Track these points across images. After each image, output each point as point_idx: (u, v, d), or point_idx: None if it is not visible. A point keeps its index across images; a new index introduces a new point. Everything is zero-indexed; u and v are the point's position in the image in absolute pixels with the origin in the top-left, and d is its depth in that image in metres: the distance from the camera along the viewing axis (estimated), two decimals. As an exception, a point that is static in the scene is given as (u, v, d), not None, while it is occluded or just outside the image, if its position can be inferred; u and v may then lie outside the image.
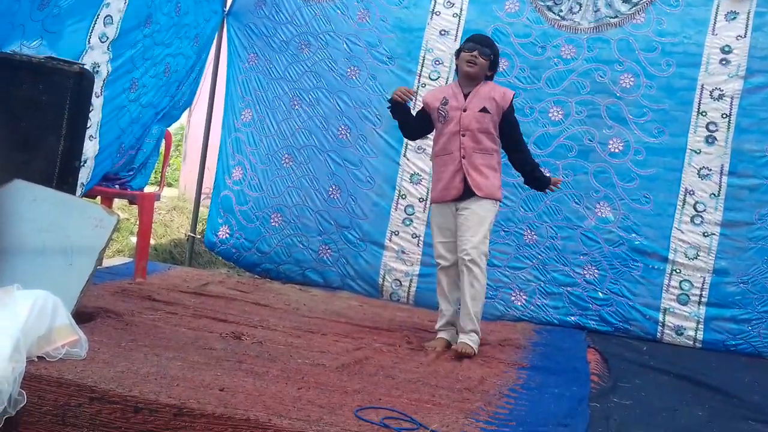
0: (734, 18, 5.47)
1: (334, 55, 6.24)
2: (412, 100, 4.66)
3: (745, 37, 5.45)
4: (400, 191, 6.05)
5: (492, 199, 4.43)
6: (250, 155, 6.37)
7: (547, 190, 4.72)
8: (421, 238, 5.95)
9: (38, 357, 2.93)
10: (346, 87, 6.20)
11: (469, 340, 4.33)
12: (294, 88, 6.30)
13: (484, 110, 4.39)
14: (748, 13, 5.46)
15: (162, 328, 3.96)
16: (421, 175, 5.95)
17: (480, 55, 4.43)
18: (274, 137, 6.33)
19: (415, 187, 5.98)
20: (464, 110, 4.42)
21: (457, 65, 4.60)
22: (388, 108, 4.63)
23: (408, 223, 6.01)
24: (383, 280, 6.01)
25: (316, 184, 6.23)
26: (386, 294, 5.96)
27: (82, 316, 3.60)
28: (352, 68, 6.20)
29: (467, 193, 4.39)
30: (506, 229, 5.77)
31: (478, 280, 4.33)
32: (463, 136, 4.40)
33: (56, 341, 3.02)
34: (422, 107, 4.68)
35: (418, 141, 5.84)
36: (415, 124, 4.69)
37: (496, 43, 4.70)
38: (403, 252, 5.99)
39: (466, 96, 4.46)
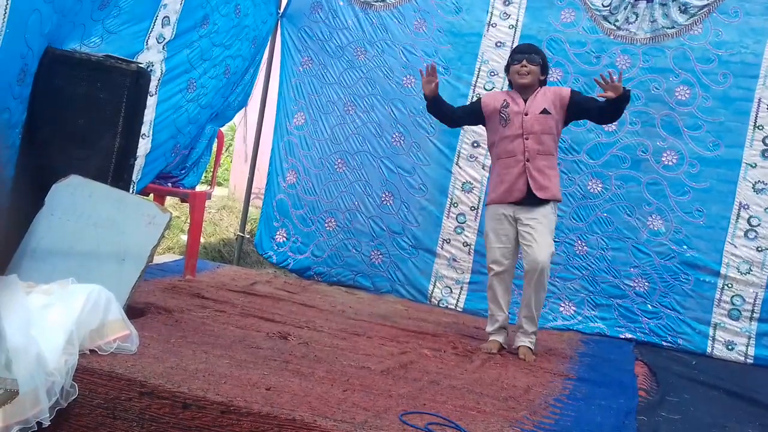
0: (793, 30, 5.35)
1: (390, 63, 6.24)
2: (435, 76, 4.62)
3: (803, 50, 5.33)
4: (452, 199, 6.03)
5: (553, 201, 4.47)
6: (303, 159, 6.41)
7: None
8: (472, 247, 5.91)
9: (90, 350, 2.97)
10: (401, 95, 6.19)
11: (530, 344, 4.45)
12: (349, 94, 6.31)
13: (545, 111, 4.44)
14: (807, 27, 5.33)
15: (210, 325, 3.99)
16: (472, 184, 5.91)
17: (529, 63, 4.47)
18: (327, 142, 6.36)
19: (467, 196, 5.94)
20: (526, 114, 4.46)
21: (509, 80, 4.62)
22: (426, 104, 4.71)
23: (459, 231, 5.98)
24: (433, 287, 5.99)
25: (369, 190, 6.24)
26: (435, 300, 5.94)
27: (133, 311, 3.64)
28: (407, 77, 6.19)
29: (529, 195, 4.42)
30: (557, 239, 5.68)
31: (545, 288, 4.44)
32: (527, 139, 4.45)
33: (108, 335, 3.06)
34: (476, 102, 4.77)
35: (469, 149, 5.87)
36: (454, 113, 4.78)
37: (542, 49, 4.73)
38: (455, 260, 5.97)
39: (525, 101, 4.50)
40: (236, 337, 3.79)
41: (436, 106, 4.68)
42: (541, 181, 4.41)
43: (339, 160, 6.32)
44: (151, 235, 3.62)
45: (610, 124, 5.44)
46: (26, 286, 2.99)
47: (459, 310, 5.84)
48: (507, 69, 4.61)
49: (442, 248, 6.04)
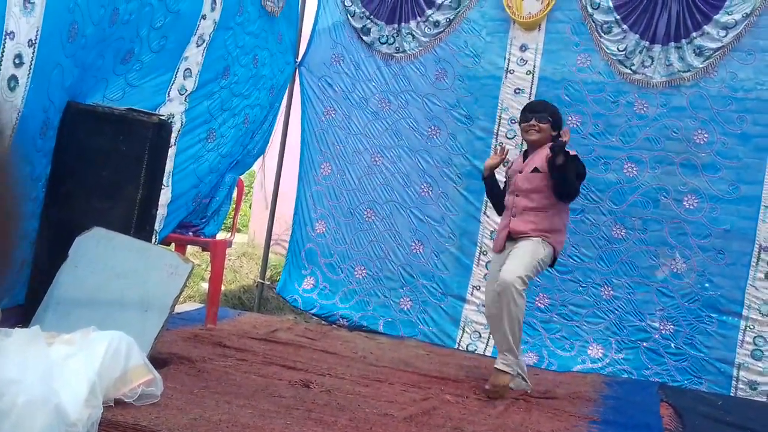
0: (808, 72, 5.32)
1: (414, 114, 6.30)
2: (495, 162, 4.75)
3: (819, 91, 5.30)
4: (481, 247, 6.04)
5: (536, 237, 4.40)
6: (332, 209, 6.46)
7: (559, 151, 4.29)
8: (501, 293, 5.91)
9: (116, 399, 2.98)
10: (428, 146, 6.24)
11: (503, 364, 4.32)
12: (375, 145, 6.37)
13: (535, 170, 4.46)
14: (824, 64, 5.31)
15: (233, 374, 4.00)
16: (500, 232, 5.94)
17: (538, 121, 4.50)
18: (355, 192, 6.41)
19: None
20: (520, 172, 4.53)
21: (522, 136, 4.71)
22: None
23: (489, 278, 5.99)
24: (462, 332, 5.98)
25: (399, 239, 6.27)
26: (464, 345, 5.91)
27: (156, 361, 3.64)
28: (432, 127, 6.25)
29: (511, 240, 4.50)
30: (584, 285, 5.69)
31: (514, 302, 4.24)
32: (517, 196, 4.53)
33: (132, 381, 3.05)
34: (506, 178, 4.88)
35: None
36: (499, 195, 4.82)
37: (551, 104, 4.73)
38: (484, 305, 5.95)
39: (526, 159, 4.57)
40: (258, 386, 3.79)
41: (491, 186, 4.78)
42: (518, 228, 4.46)
43: (368, 210, 6.37)
44: (174, 286, 3.65)
45: (630, 166, 5.53)
46: (48, 337, 3.00)
47: (488, 355, 5.80)
48: (520, 127, 4.68)
49: (472, 294, 6.04)
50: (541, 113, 4.52)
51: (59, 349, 2.93)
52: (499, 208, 4.83)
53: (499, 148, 4.83)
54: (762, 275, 5.33)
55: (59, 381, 2.72)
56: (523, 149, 4.85)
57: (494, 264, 4.66)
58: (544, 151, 4.44)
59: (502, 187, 4.85)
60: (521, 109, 4.78)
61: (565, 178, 4.31)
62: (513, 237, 4.48)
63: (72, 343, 2.99)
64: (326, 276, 6.41)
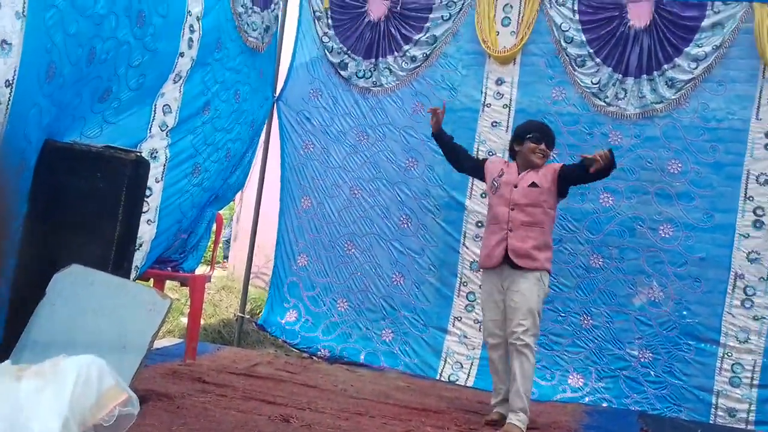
0: (778, 102, 5.41)
1: (392, 146, 6.32)
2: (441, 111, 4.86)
3: (789, 121, 5.38)
4: (461, 279, 6.05)
5: (538, 270, 4.45)
6: (313, 242, 6.45)
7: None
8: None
9: (94, 426, 2.84)
10: (405, 178, 6.26)
11: (517, 420, 4.31)
12: (354, 178, 6.38)
13: (533, 185, 4.51)
14: (792, 96, 5.40)
15: (212, 411, 3.97)
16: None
17: (548, 146, 4.60)
18: (335, 225, 6.40)
19: (476, 275, 5.94)
20: (515, 186, 4.55)
21: (517, 150, 4.69)
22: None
23: (470, 309, 5.98)
24: (444, 363, 5.97)
25: (379, 271, 6.26)
26: (445, 375, 5.90)
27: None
28: (410, 159, 6.27)
29: (510, 263, 4.46)
30: (563, 314, 5.71)
31: (528, 360, 4.36)
32: (512, 209, 4.52)
33: (107, 405, 2.88)
34: (481, 162, 4.95)
35: (474, 230, 5.97)
36: (458, 155, 4.96)
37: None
38: (465, 336, 5.96)
39: (519, 173, 4.60)
40: (238, 422, 3.77)
41: (443, 141, 4.89)
42: (519, 249, 4.45)
43: (348, 243, 6.37)
44: (152, 322, 3.59)
45: (606, 196, 5.67)
46: (18, 370, 2.88)
47: (469, 385, 5.79)
48: (521, 139, 4.66)
49: (453, 325, 6.03)
50: (550, 142, 4.63)
51: (29, 383, 2.79)
52: (456, 163, 5.00)
53: (436, 107, 4.89)
54: (738, 302, 5.38)
55: (30, 417, 2.64)
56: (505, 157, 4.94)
57: (487, 282, 4.63)
58: (543, 168, 4.58)
59: (473, 160, 5.01)
60: (527, 126, 4.77)
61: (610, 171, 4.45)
62: (512, 257, 4.46)
63: (42, 375, 2.85)
64: (309, 309, 6.40)
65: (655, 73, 5.67)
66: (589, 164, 4.32)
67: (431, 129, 4.89)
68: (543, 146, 4.56)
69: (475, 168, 4.94)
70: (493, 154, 5.97)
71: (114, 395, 2.95)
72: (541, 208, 4.52)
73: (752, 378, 5.27)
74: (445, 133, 4.91)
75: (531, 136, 4.60)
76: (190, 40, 4.93)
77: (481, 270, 4.81)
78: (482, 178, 4.91)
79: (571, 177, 4.57)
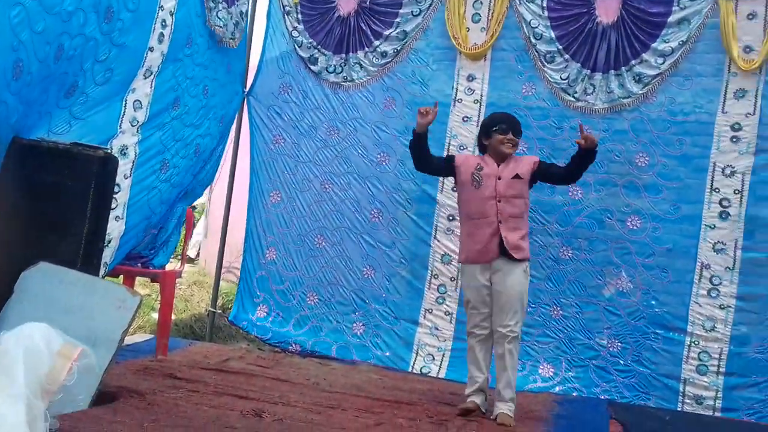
0: (743, 96, 5.45)
1: (363, 141, 6.32)
2: (430, 120, 4.66)
3: (754, 114, 5.43)
4: (432, 271, 6.07)
5: (526, 260, 4.57)
6: (282, 236, 6.43)
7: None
8: (454, 316, 5.93)
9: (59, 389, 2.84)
10: (377, 172, 6.26)
11: (509, 410, 4.42)
12: (324, 172, 6.37)
13: (517, 177, 4.57)
14: (757, 90, 5.44)
15: (184, 406, 3.92)
16: (451, 256, 5.94)
17: (515, 135, 4.64)
18: (305, 219, 6.39)
19: (447, 267, 5.98)
20: (499, 177, 4.57)
21: (486, 143, 4.71)
22: (411, 139, 4.72)
23: (441, 301, 6.01)
24: (416, 355, 5.98)
25: (350, 265, 6.26)
26: (417, 368, 5.91)
27: (105, 396, 3.59)
28: (381, 154, 6.27)
29: (502, 255, 4.50)
30: (533, 305, 5.73)
31: (517, 351, 4.52)
32: (500, 201, 4.54)
33: (65, 365, 2.90)
34: (449, 159, 4.89)
35: (445, 223, 5.96)
36: (428, 157, 4.77)
37: None
38: (437, 329, 5.98)
39: (498, 165, 4.62)
40: (210, 418, 3.72)
41: (422, 142, 4.69)
42: (513, 241, 4.50)
43: (319, 236, 6.36)
44: (122, 319, 3.58)
45: (575, 189, 5.68)
46: None
47: (441, 377, 5.81)
48: (488, 132, 4.68)
49: (424, 318, 6.05)
50: (517, 130, 4.66)
51: None
52: (420, 163, 4.80)
53: (428, 108, 4.69)
54: (705, 292, 5.45)
55: None
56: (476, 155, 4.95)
57: (474, 279, 4.59)
58: (519, 160, 4.66)
59: (442, 161, 4.93)
60: (491, 119, 4.78)
61: (587, 166, 4.62)
62: (508, 249, 4.48)
63: None
64: (278, 303, 6.38)
65: (622, 68, 5.71)
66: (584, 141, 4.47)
67: (416, 126, 4.65)
68: (510, 135, 4.60)
69: (445, 167, 4.88)
70: (464, 149, 5.99)
71: (67, 353, 2.92)
72: (523, 200, 4.61)
73: (719, 366, 5.34)
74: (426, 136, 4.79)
75: (497, 128, 4.63)
76: (161, 35, 4.89)
77: (462, 264, 4.77)
78: (450, 175, 4.93)
79: (549, 172, 4.69)
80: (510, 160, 4.62)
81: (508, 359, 4.44)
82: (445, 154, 6.06)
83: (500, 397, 4.46)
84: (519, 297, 4.48)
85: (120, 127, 4.76)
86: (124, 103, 4.76)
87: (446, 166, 4.87)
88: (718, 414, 5.29)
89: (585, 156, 4.51)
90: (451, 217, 5.95)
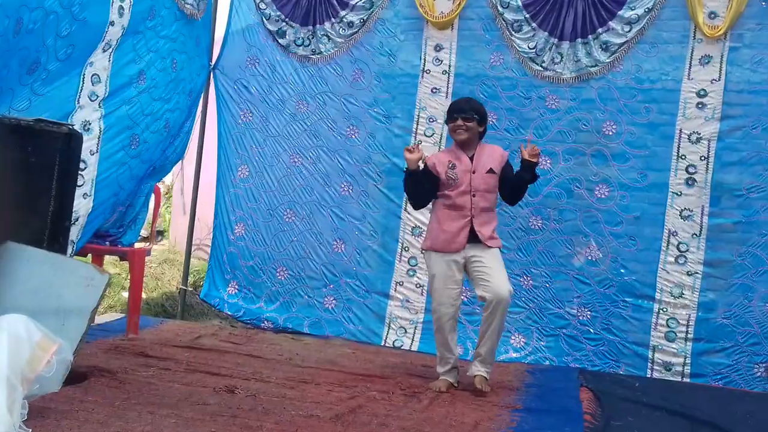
0: (708, 62, 5.45)
1: (332, 114, 6.25)
2: (420, 155, 4.50)
3: (719, 80, 5.43)
4: (402, 244, 6.04)
5: (496, 248, 4.56)
6: (251, 211, 6.37)
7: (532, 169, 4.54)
8: (425, 288, 5.90)
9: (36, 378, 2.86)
10: (347, 145, 6.20)
11: (486, 374, 4.48)
12: (293, 146, 6.30)
13: (491, 171, 4.51)
14: (722, 57, 5.44)
15: (155, 384, 3.89)
16: (422, 228, 5.90)
17: (465, 120, 4.50)
18: (274, 193, 6.33)
19: (417, 240, 5.95)
20: (473, 172, 4.50)
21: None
22: (404, 176, 4.58)
23: (412, 274, 5.99)
24: (388, 328, 5.97)
25: (320, 238, 6.22)
26: (390, 341, 5.91)
27: (75, 375, 3.54)
28: (351, 127, 6.21)
29: (472, 242, 4.48)
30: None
31: (504, 316, 4.46)
32: (474, 196, 4.49)
33: (43, 357, 2.93)
34: (427, 169, 4.58)
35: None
36: (426, 189, 4.61)
37: (475, 100, 4.78)
38: (408, 301, 5.97)
39: (471, 158, 4.53)
40: (182, 395, 3.70)
41: (418, 178, 4.51)
42: (485, 233, 4.48)
43: (288, 211, 6.30)
44: (91, 298, 3.52)
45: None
46: None
47: (414, 350, 5.80)
48: (447, 124, 4.66)
49: (395, 290, 6.03)
50: (466, 112, 4.50)
51: None
52: (421, 201, 4.71)
53: (413, 146, 4.67)
54: (672, 259, 5.48)
55: None
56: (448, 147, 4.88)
57: (443, 261, 4.52)
58: (493, 152, 4.59)
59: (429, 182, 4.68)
60: (446, 109, 4.78)
61: (524, 189, 4.64)
62: (482, 240, 4.47)
63: None
64: (248, 279, 6.33)
65: (589, 36, 5.68)
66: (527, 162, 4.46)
67: (407, 164, 4.48)
68: (458, 122, 4.49)
69: (432, 180, 4.60)
70: (433, 121, 5.97)
71: (47, 346, 2.97)
72: (495, 194, 4.58)
73: (687, 332, 5.39)
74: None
75: (447, 118, 4.62)
76: (121, 8, 4.77)
77: (426, 251, 4.69)
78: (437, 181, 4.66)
79: (506, 176, 4.58)
80: (483, 150, 4.54)
81: (497, 327, 4.41)
82: (414, 126, 6.04)
83: (481, 359, 4.47)
84: (499, 264, 4.49)
85: (78, 102, 4.65)
86: (82, 77, 4.65)
87: (432, 181, 4.59)
88: (686, 380, 5.34)
89: (525, 171, 4.49)
90: (421, 190, 5.92)
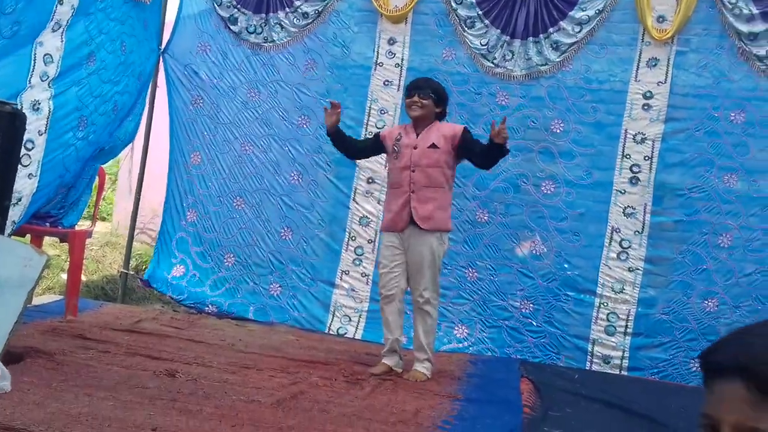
0: (655, 65, 5.54)
1: (284, 103, 6.21)
2: (338, 109, 4.72)
3: (665, 82, 5.52)
4: (350, 233, 6.04)
5: (439, 231, 4.51)
6: (202, 197, 6.30)
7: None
8: (370, 277, 5.92)
9: None
10: (298, 135, 6.17)
11: (422, 368, 4.51)
12: (244, 134, 6.25)
13: (433, 146, 4.48)
14: (668, 60, 5.53)
15: (94, 367, 3.83)
16: (369, 218, 5.93)
17: (421, 97, 4.53)
18: (225, 180, 6.27)
19: (365, 230, 5.96)
20: (415, 147, 4.52)
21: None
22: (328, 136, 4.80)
23: (358, 263, 5.99)
24: (332, 317, 5.96)
25: (268, 226, 6.18)
26: (334, 329, 5.89)
27: (11, 356, 3.47)
28: (302, 117, 6.17)
29: (413, 224, 4.48)
30: (449, 267, 5.76)
31: (430, 316, 4.52)
32: (413, 171, 4.50)
33: None
34: (376, 135, 4.87)
35: (365, 186, 5.93)
36: (356, 145, 4.93)
37: (435, 80, 4.84)
38: (353, 290, 5.96)
39: (418, 135, 4.56)
40: (121, 378, 3.65)
41: (338, 138, 4.75)
42: (422, 212, 4.46)
43: (238, 198, 6.25)
44: (28, 278, 3.43)
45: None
46: None
47: (358, 338, 5.81)
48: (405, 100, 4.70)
49: (341, 279, 6.02)
50: (423, 89, 4.56)
51: None
52: (348, 153, 5.03)
53: (331, 103, 4.73)
54: (614, 255, 5.56)
55: None
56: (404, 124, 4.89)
57: (388, 246, 4.60)
58: (444, 128, 4.58)
59: (370, 143, 4.95)
60: (398, 102, 4.85)
61: (497, 159, 4.56)
62: (417, 220, 4.46)
63: None
64: (196, 264, 6.26)
65: (541, 35, 5.72)
66: (494, 137, 4.34)
67: (326, 126, 4.74)
68: (415, 98, 4.53)
69: (372, 145, 4.88)
70: (384, 113, 5.97)
71: None
72: (440, 168, 4.51)
73: (626, 327, 5.47)
74: (339, 129, 4.78)
75: (406, 92, 4.66)
76: (70, -13, 4.68)
77: (381, 231, 4.80)
78: (382, 152, 4.91)
79: (470, 148, 4.55)
80: (432, 127, 4.56)
81: (420, 324, 4.52)
82: (365, 118, 6.03)
83: (416, 359, 4.56)
84: (428, 264, 4.48)
85: (29, 82, 4.55)
86: (33, 57, 4.54)
87: (374, 145, 4.85)
88: (624, 373, 5.43)
89: (494, 148, 4.40)
90: (370, 180, 5.93)
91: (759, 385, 1.00)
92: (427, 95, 4.54)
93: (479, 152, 4.52)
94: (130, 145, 6.52)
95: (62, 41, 4.74)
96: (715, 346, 1.10)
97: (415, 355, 4.57)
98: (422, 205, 4.47)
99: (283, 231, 6.15)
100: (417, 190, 4.48)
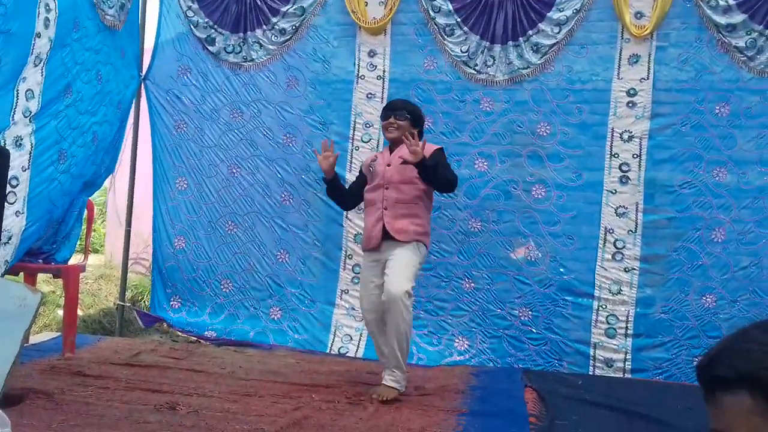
0: (636, 61, 5.51)
1: (267, 123, 6.13)
2: (331, 162, 4.56)
3: (648, 79, 5.49)
4: (346, 252, 5.97)
5: (414, 242, 4.40)
6: (191, 223, 6.21)
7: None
8: (369, 295, 5.86)
9: None
10: (285, 154, 6.10)
11: (390, 379, 4.32)
12: (231, 156, 6.16)
13: (405, 162, 4.36)
14: (649, 56, 5.50)
15: (94, 404, 3.75)
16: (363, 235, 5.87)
17: (397, 119, 4.52)
18: (214, 204, 6.19)
19: (360, 247, 5.87)
20: (388, 165, 4.51)
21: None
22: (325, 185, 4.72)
23: (356, 281, 5.88)
24: (333, 337, 5.89)
25: (263, 249, 6.10)
26: (335, 349, 5.82)
27: (9, 399, 3.39)
28: (287, 135, 6.11)
29: (388, 240, 4.41)
30: (446, 279, 5.71)
31: (401, 316, 4.23)
32: (386, 189, 4.47)
33: None
34: (360, 170, 4.84)
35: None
36: (349, 194, 4.82)
37: (411, 102, 4.78)
38: (353, 308, 5.89)
39: (392, 153, 4.56)
40: (121, 414, 3.57)
41: (335, 187, 4.67)
42: (396, 226, 4.40)
43: (230, 222, 6.17)
44: (23, 318, 3.36)
45: (481, 161, 5.69)
46: None
47: (359, 356, 5.73)
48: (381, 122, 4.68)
49: (340, 298, 5.96)
50: (399, 111, 4.54)
51: None
52: (345, 205, 5.01)
53: (323, 143, 4.67)
54: (609, 256, 5.51)
55: None
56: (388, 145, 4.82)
57: (367, 264, 4.59)
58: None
59: (357, 183, 4.83)
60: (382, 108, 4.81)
61: (432, 181, 4.41)
62: (389, 235, 4.39)
63: None
64: (192, 292, 6.18)
65: (520, 39, 5.68)
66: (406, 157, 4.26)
67: (327, 172, 4.58)
68: (391, 119, 4.52)
69: (362, 183, 4.74)
70: (369, 126, 5.92)
71: None
72: (414, 185, 4.44)
73: (626, 328, 5.42)
74: (337, 176, 4.71)
75: (382, 115, 4.65)
76: (47, 19, 4.61)
77: (363, 251, 4.74)
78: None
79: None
80: (404, 146, 4.43)
81: (392, 326, 4.26)
82: (351, 132, 5.97)
83: (386, 365, 4.37)
84: (404, 263, 4.31)
85: (13, 119, 4.49)
86: (15, 93, 4.49)
87: (361, 179, 4.76)
88: (628, 375, 5.37)
89: (420, 171, 4.29)
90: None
91: (765, 393, 0.95)
92: (403, 116, 4.53)
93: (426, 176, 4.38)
94: (111, 176, 6.41)
95: (42, 75, 4.69)
96: (711, 358, 1.06)
97: (390, 360, 4.33)
98: (395, 221, 4.41)
99: (279, 253, 6.07)
100: (390, 206, 4.44)
